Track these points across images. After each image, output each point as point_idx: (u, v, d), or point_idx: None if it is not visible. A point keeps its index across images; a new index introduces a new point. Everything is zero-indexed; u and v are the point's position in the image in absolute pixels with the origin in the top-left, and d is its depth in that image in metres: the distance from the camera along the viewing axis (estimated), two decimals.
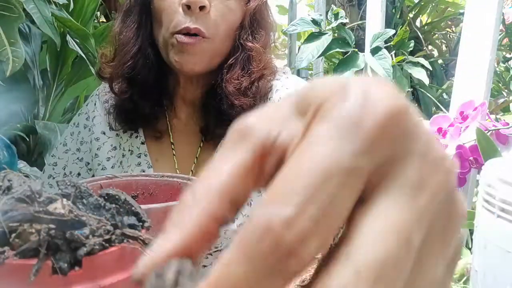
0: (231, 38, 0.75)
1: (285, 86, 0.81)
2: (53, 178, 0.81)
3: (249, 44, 0.75)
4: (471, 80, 0.87)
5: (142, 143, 0.80)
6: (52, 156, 0.85)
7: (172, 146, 0.81)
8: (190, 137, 0.81)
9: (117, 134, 0.81)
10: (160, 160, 0.80)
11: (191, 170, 0.79)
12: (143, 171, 0.78)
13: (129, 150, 0.80)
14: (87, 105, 0.85)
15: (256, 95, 0.76)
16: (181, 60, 0.71)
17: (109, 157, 0.80)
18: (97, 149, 0.80)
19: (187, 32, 0.69)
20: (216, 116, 0.77)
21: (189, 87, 0.79)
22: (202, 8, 0.68)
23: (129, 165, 0.78)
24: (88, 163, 0.82)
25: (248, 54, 0.75)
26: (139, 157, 0.79)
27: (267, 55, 0.79)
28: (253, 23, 0.76)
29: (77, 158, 0.82)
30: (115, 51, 0.77)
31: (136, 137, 0.80)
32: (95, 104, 0.83)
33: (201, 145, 0.80)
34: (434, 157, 0.15)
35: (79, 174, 0.82)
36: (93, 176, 0.80)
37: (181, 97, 0.81)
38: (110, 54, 0.79)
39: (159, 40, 0.73)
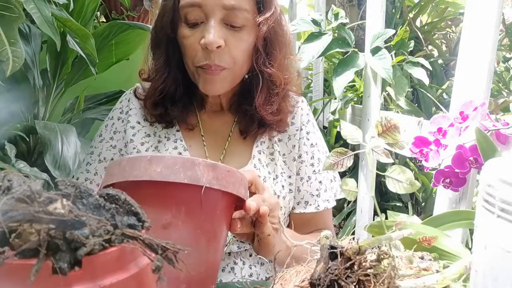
0: (249, 62, 0.85)
1: (304, 110, 0.96)
2: (90, 164, 0.91)
3: (267, 70, 0.85)
4: (471, 80, 0.87)
5: (177, 130, 0.91)
6: (90, 147, 0.95)
7: (203, 138, 0.92)
8: (219, 131, 0.93)
9: (151, 124, 0.92)
10: (193, 147, 0.90)
11: (220, 159, 0.90)
12: (180, 154, 0.88)
13: (165, 137, 0.91)
14: (121, 101, 0.96)
15: (286, 109, 0.90)
16: (206, 88, 0.83)
17: (143, 142, 0.90)
18: (132, 135, 0.90)
19: (209, 68, 0.80)
20: (245, 116, 0.89)
21: (216, 97, 0.91)
22: (218, 47, 0.78)
23: (167, 149, 0.88)
24: (121, 149, 0.91)
25: (268, 79, 0.86)
26: (175, 142, 0.89)
27: (286, 73, 0.89)
28: (266, 45, 0.85)
29: (111, 146, 0.92)
30: (149, 73, 0.91)
31: (172, 126, 0.91)
32: (129, 100, 0.95)
33: (229, 139, 0.91)
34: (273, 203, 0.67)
35: (112, 159, 0.91)
36: None
37: (209, 101, 0.93)
38: (146, 72, 0.92)
39: (187, 68, 0.85)
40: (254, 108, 0.86)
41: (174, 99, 0.88)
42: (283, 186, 0.89)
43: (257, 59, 0.84)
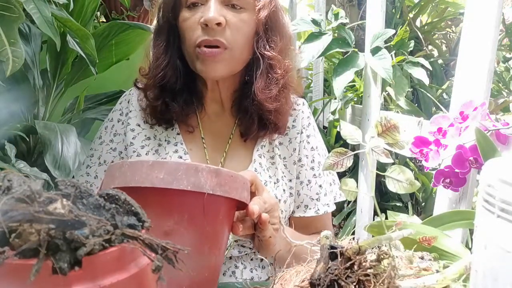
0: (249, 46, 0.84)
1: (305, 113, 0.95)
2: (90, 167, 0.90)
3: (268, 53, 0.84)
4: (471, 80, 0.87)
5: (178, 133, 0.90)
6: (90, 149, 0.94)
7: (203, 140, 0.90)
8: (219, 133, 0.91)
9: (151, 126, 0.90)
10: (194, 150, 0.89)
11: (220, 162, 0.88)
12: (180, 157, 0.86)
13: (165, 140, 0.89)
14: (120, 103, 0.95)
15: (285, 101, 0.88)
16: (205, 69, 0.82)
17: (143, 145, 0.88)
18: (132, 138, 0.89)
19: (208, 44, 0.79)
20: (246, 115, 0.88)
21: (216, 90, 0.90)
22: (218, 24, 0.78)
23: (167, 153, 0.87)
24: (121, 152, 0.90)
25: (268, 63, 0.84)
26: (176, 145, 0.88)
27: (286, 60, 0.88)
28: (267, 30, 0.85)
29: (111, 148, 0.90)
30: (150, 66, 0.89)
31: (172, 129, 0.90)
32: (128, 102, 0.93)
33: (229, 141, 0.90)
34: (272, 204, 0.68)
35: (112, 162, 0.90)
36: None
37: (209, 98, 0.91)
38: (146, 68, 0.90)
39: (186, 54, 0.84)
40: (253, 97, 0.85)
41: (174, 92, 0.87)
42: (284, 190, 0.89)
43: (257, 42, 0.84)
